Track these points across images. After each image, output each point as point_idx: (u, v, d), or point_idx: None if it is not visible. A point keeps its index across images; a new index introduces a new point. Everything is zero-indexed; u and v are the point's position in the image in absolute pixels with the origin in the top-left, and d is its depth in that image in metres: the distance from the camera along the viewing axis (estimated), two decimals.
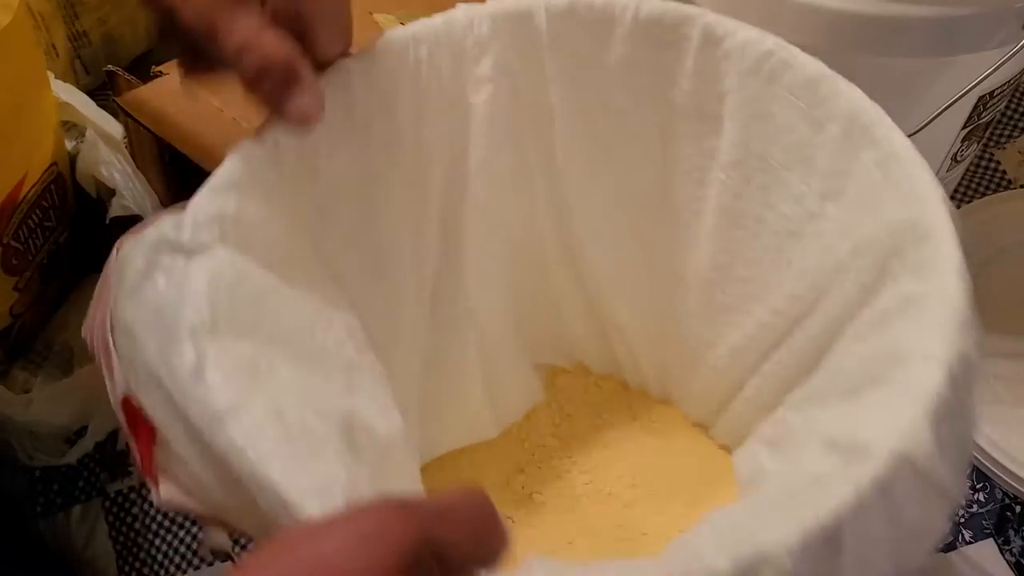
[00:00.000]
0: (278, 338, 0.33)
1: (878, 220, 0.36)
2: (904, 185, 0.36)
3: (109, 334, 0.31)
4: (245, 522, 0.29)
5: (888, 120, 0.37)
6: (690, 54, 0.42)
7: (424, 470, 0.52)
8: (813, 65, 0.39)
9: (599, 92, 0.45)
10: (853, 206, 0.38)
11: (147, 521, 0.60)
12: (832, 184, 0.39)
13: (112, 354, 0.31)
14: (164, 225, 0.32)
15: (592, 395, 0.56)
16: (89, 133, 0.59)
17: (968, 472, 0.29)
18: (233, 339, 0.30)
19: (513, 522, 0.52)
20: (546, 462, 0.54)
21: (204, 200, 0.33)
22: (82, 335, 0.34)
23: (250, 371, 0.30)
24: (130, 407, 0.30)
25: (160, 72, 0.58)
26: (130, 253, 0.32)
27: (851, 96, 0.38)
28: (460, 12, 0.42)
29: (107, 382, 0.32)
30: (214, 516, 0.31)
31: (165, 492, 0.31)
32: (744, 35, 0.41)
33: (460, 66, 0.43)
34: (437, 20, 0.42)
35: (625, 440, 0.54)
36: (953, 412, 0.28)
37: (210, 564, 0.58)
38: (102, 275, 0.33)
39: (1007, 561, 0.54)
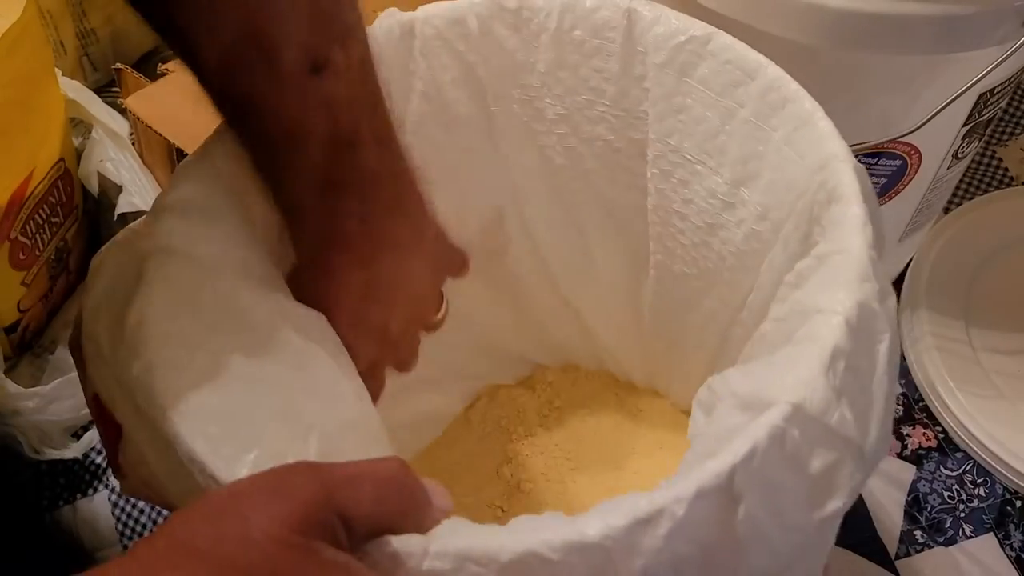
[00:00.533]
0: (231, 340, 0.33)
1: (793, 193, 0.37)
2: (812, 154, 0.36)
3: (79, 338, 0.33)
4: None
5: (795, 87, 0.38)
6: (615, 56, 0.42)
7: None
8: (728, 51, 0.39)
9: (531, 101, 0.45)
10: (769, 187, 0.39)
11: (152, 514, 0.60)
12: (745, 170, 0.40)
13: (83, 356, 0.33)
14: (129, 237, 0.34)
15: (581, 387, 0.57)
16: (96, 130, 0.59)
17: (887, 423, 0.29)
18: (186, 343, 0.31)
19: (503, 511, 0.52)
20: (535, 451, 0.55)
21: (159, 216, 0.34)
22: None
23: (200, 369, 0.31)
24: (99, 405, 0.32)
25: (167, 70, 0.59)
26: (99, 264, 0.34)
27: (764, 75, 0.38)
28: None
29: (80, 380, 0.34)
30: (171, 505, 0.33)
31: (127, 485, 0.34)
32: (661, 28, 0.41)
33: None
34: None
35: (612, 428, 0.56)
36: (852, 361, 0.29)
37: None
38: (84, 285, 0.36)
39: (1007, 556, 0.54)
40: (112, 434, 0.32)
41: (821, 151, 0.36)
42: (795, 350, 0.30)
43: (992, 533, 0.55)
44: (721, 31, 0.40)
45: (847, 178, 0.34)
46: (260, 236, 0.37)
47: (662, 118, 0.42)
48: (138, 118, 0.56)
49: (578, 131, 0.45)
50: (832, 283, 0.31)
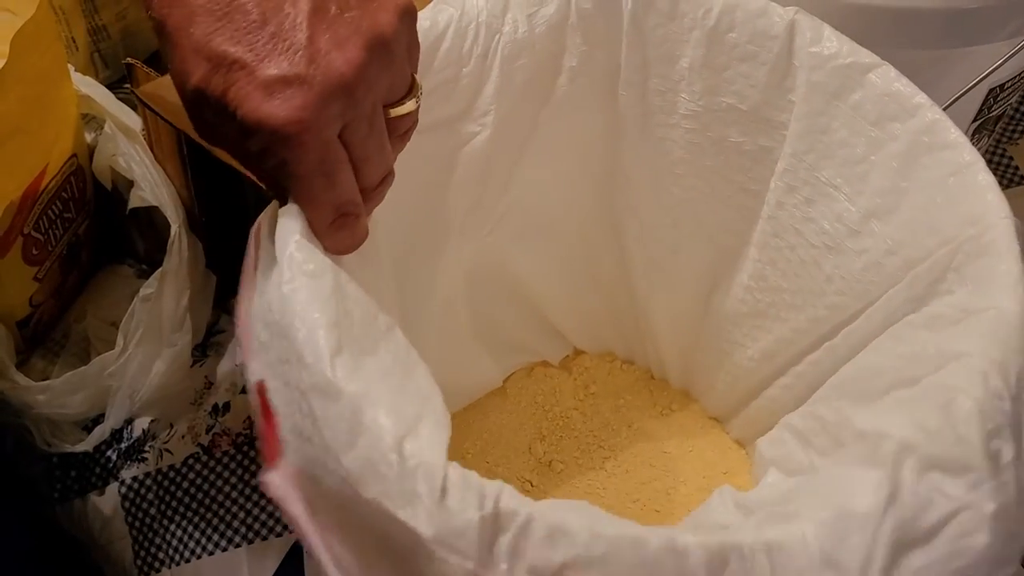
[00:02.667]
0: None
1: (936, 238, 0.36)
2: (966, 203, 0.35)
3: (249, 321, 0.32)
4: (340, 514, 0.29)
5: (956, 135, 0.37)
6: (768, 65, 0.42)
7: None
8: (891, 84, 0.39)
9: (668, 92, 0.45)
10: (905, 223, 0.38)
11: (163, 507, 0.60)
12: (882, 203, 0.39)
13: (251, 340, 0.32)
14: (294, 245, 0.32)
15: (616, 378, 0.57)
16: (108, 125, 0.60)
17: None
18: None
19: (532, 486, 0.53)
20: (568, 433, 0.55)
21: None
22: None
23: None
24: (261, 392, 0.31)
25: None
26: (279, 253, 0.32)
27: (924, 115, 0.38)
28: None
29: (246, 368, 0.32)
30: (316, 514, 0.30)
31: (277, 478, 0.31)
32: (822, 47, 0.40)
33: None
34: None
35: (645, 423, 0.56)
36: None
37: (224, 551, 0.59)
38: (244, 266, 0.34)
39: None
40: (270, 422, 0.30)
41: (979, 202, 0.35)
42: (924, 393, 0.30)
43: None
44: (889, 64, 0.40)
45: (1006, 234, 0.34)
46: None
47: (803, 135, 0.42)
48: (148, 108, 0.56)
49: (707, 129, 0.45)
50: (980, 336, 0.31)
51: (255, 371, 0.31)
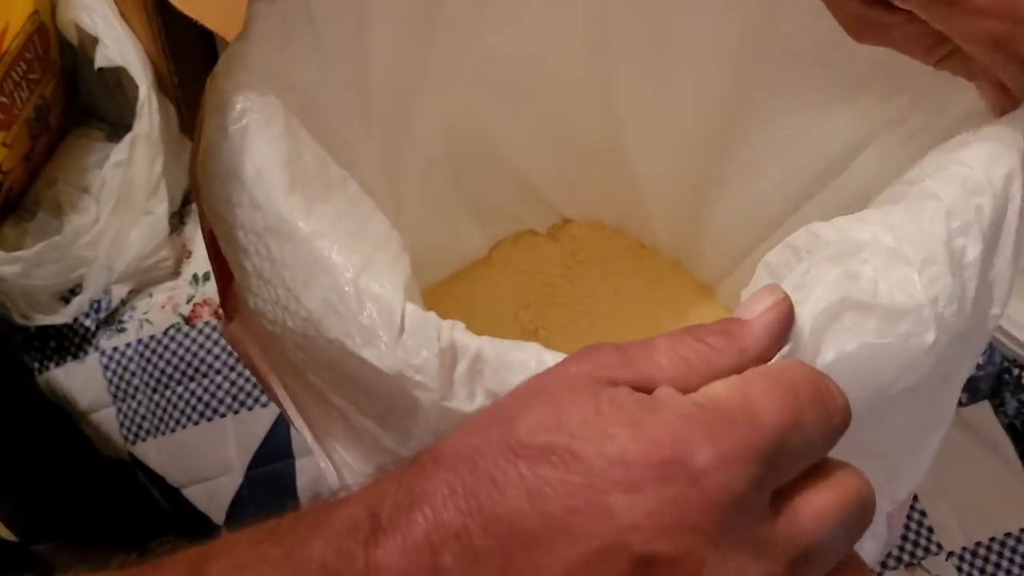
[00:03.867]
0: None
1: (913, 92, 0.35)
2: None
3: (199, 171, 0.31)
4: (307, 358, 0.29)
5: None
6: None
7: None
8: None
9: None
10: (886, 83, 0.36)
11: (146, 377, 0.60)
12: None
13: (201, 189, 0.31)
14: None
15: (606, 246, 0.56)
16: None
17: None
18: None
19: None
20: (554, 300, 0.54)
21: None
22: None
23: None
24: (212, 240, 0.31)
25: None
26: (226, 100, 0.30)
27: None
28: None
29: (200, 217, 0.32)
30: (273, 356, 0.30)
31: (233, 328, 0.31)
32: None
33: None
34: None
35: (633, 292, 0.54)
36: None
37: (209, 420, 0.59)
38: (200, 112, 0.32)
39: (1001, 422, 0.54)
40: (224, 273, 0.31)
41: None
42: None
43: (987, 400, 0.55)
44: None
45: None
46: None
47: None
48: None
49: None
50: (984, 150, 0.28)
51: (206, 221, 0.31)
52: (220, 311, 0.60)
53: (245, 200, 0.28)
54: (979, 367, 0.55)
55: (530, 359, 0.25)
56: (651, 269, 0.55)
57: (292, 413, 0.29)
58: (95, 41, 0.56)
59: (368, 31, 0.39)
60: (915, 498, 0.53)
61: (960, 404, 0.54)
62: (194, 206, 0.63)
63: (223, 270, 0.30)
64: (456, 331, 0.25)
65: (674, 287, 0.55)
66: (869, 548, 0.30)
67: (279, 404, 0.30)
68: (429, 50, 0.44)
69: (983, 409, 0.54)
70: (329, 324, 0.26)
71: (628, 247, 0.56)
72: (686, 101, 0.47)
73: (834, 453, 0.20)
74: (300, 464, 0.58)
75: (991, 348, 0.56)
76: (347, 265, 0.26)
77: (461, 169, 0.51)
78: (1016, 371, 0.55)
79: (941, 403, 0.30)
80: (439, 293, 0.54)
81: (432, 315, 0.25)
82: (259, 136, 0.29)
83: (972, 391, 0.55)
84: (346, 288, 0.26)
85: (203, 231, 0.32)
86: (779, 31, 0.42)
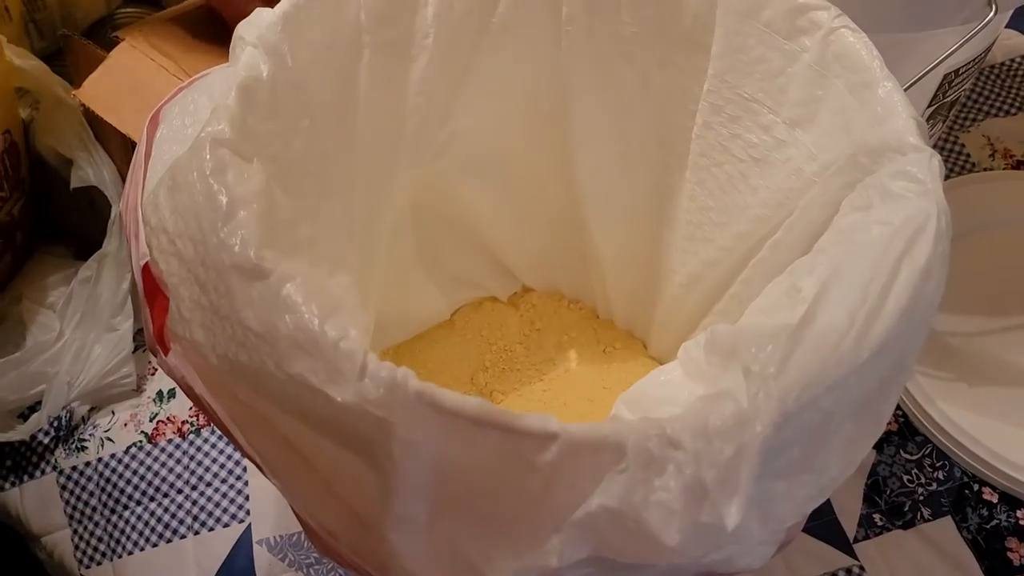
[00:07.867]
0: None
1: (849, 141, 0.38)
2: (876, 108, 0.37)
3: (139, 208, 0.33)
4: (251, 386, 0.30)
5: (863, 44, 0.38)
6: None
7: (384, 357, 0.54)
8: None
9: (609, 16, 0.46)
10: (824, 130, 0.39)
11: (104, 498, 0.58)
12: (803, 111, 0.40)
13: (140, 225, 0.32)
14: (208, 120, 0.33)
15: (563, 316, 0.59)
16: (44, 100, 0.57)
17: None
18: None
19: None
20: (511, 366, 0.56)
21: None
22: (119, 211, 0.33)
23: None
24: (148, 274, 0.32)
25: (117, 38, 0.57)
26: (168, 136, 0.33)
27: (829, 25, 0.39)
28: None
29: (132, 254, 0.34)
30: (218, 384, 0.32)
31: (172, 358, 0.33)
32: None
33: None
34: None
35: (587, 361, 0.57)
36: None
37: (168, 542, 0.57)
38: (135, 156, 0.35)
39: (964, 538, 0.54)
40: (160, 304, 0.32)
41: (884, 103, 0.37)
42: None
43: (950, 516, 0.55)
44: None
45: (913, 135, 0.35)
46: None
47: (722, 55, 0.43)
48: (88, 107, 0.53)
49: (649, 47, 0.46)
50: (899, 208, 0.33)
51: (143, 254, 0.32)
52: (182, 427, 0.59)
53: (212, 240, 0.29)
54: (939, 482, 0.56)
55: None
56: (604, 340, 0.58)
57: (241, 441, 0.31)
58: (70, 162, 0.57)
59: (354, 110, 0.42)
60: None
61: (922, 520, 0.55)
62: None
63: (160, 303, 0.32)
64: (410, 377, 0.27)
65: (627, 356, 0.57)
66: (762, 552, 0.31)
67: (225, 432, 0.31)
68: (402, 126, 0.46)
69: (946, 525, 0.55)
70: (293, 360, 0.27)
71: (583, 318, 0.59)
72: (640, 176, 0.50)
73: (777, 463, 0.24)
74: None
75: (950, 463, 0.56)
76: (313, 309, 0.28)
77: (427, 238, 0.54)
78: (976, 486, 0.56)
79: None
80: (401, 351, 0.56)
81: (389, 363, 0.27)
82: (238, 181, 0.30)
83: (934, 507, 0.55)
84: (316, 333, 0.27)
85: (132, 264, 0.33)
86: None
